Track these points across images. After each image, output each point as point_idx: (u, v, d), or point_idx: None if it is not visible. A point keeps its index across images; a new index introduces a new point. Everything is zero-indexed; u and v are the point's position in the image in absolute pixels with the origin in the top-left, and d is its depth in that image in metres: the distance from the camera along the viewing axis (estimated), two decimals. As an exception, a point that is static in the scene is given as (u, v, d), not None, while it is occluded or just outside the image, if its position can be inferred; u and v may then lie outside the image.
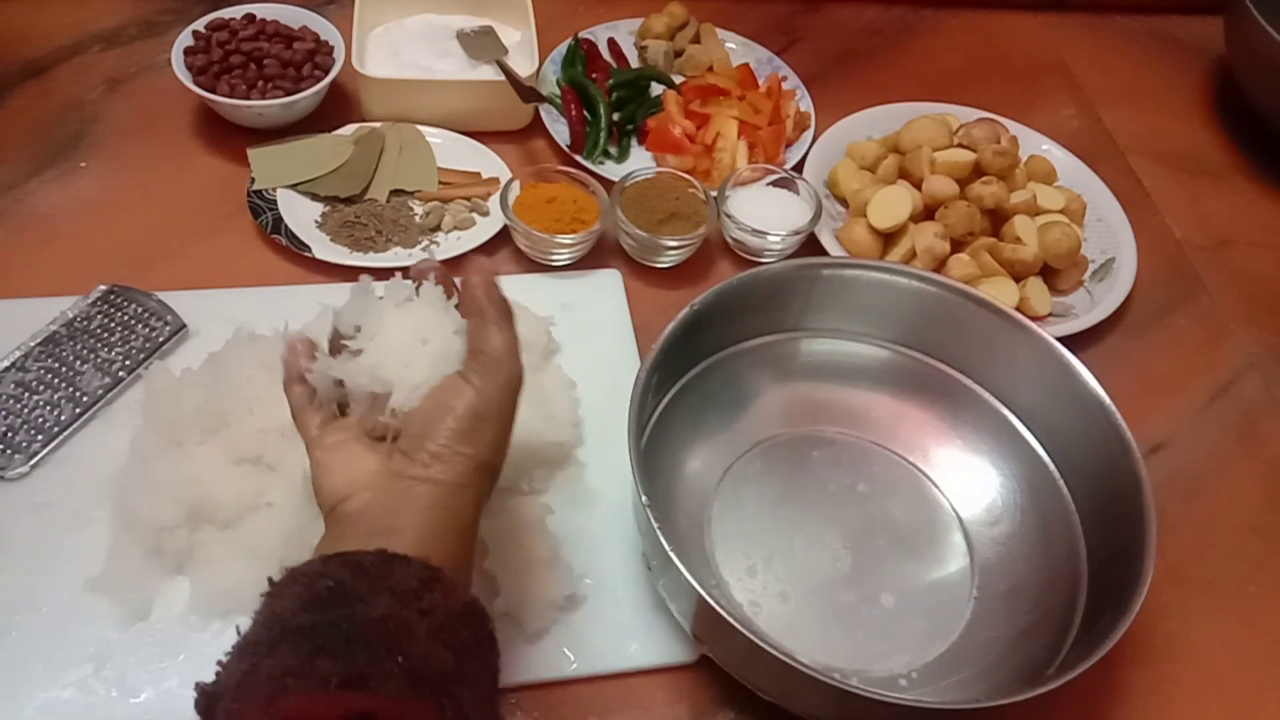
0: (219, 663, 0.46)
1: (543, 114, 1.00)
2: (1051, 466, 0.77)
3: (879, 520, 0.77)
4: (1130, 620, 0.62)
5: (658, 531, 0.61)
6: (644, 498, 0.63)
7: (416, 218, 0.92)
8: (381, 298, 0.58)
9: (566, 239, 0.88)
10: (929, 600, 0.73)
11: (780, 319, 0.81)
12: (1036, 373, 0.77)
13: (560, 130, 0.99)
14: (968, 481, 0.79)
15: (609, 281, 0.90)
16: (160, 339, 0.79)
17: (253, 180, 0.91)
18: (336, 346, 0.58)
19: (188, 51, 0.96)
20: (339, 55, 0.97)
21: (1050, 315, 0.90)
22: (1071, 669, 0.61)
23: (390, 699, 0.42)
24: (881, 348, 0.82)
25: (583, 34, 1.08)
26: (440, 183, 0.95)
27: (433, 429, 0.53)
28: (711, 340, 0.78)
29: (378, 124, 0.97)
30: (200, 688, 0.45)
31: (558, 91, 1.02)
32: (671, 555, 0.61)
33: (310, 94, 0.94)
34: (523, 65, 0.99)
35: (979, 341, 0.79)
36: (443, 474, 0.52)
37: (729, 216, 0.91)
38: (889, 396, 0.82)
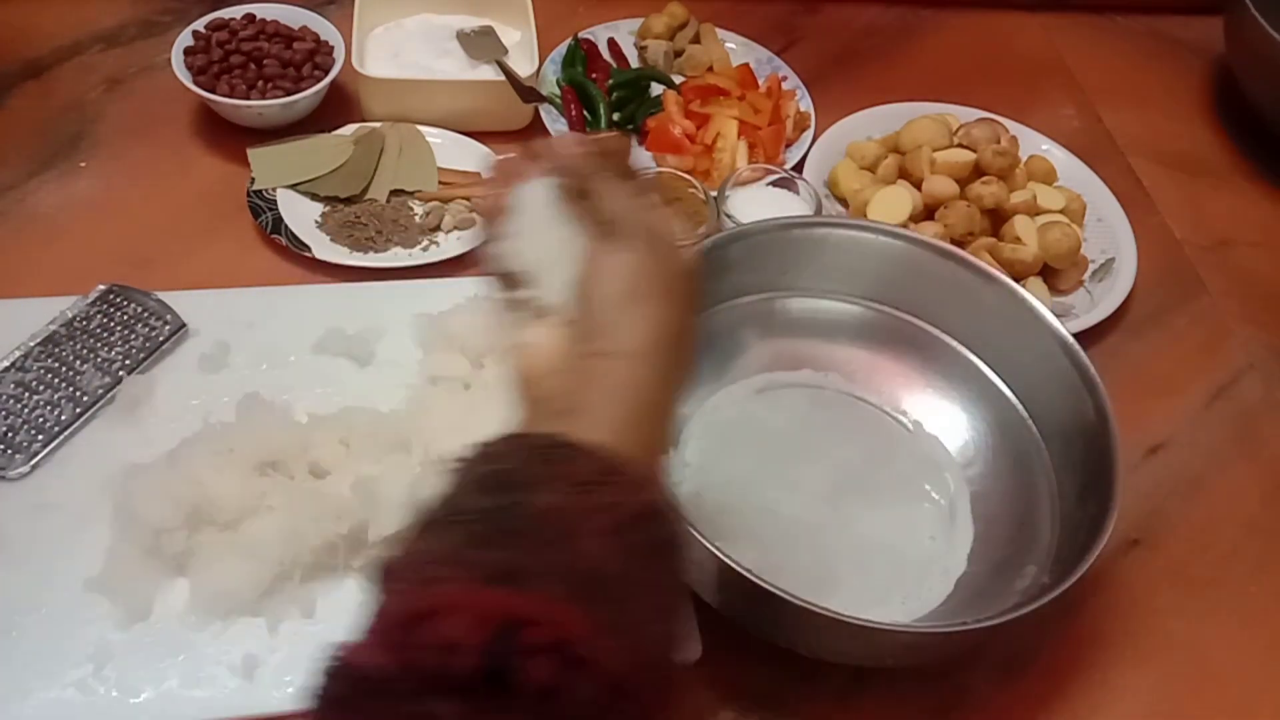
0: (400, 534, 0.42)
1: (543, 114, 1.00)
2: (1021, 408, 0.79)
3: (856, 465, 0.79)
4: (1101, 547, 0.64)
5: None
6: None
7: (416, 218, 0.92)
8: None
9: (566, 239, 0.88)
10: (907, 539, 0.76)
11: (756, 280, 0.83)
12: (1001, 318, 0.79)
13: (560, 130, 0.99)
14: (941, 426, 0.82)
15: (609, 281, 0.90)
16: (160, 339, 0.79)
17: (253, 180, 0.91)
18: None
19: (188, 51, 0.96)
20: (339, 55, 0.97)
21: (1050, 315, 0.91)
22: (1043, 597, 0.63)
23: (542, 601, 0.37)
24: (853, 304, 0.84)
25: (583, 34, 1.08)
26: (440, 183, 0.95)
27: (601, 299, 0.49)
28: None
29: (378, 124, 0.97)
30: (380, 561, 0.41)
31: (558, 91, 1.02)
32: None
33: (310, 94, 0.94)
34: (523, 65, 0.99)
35: (945, 292, 0.81)
36: (619, 344, 0.48)
37: (729, 216, 0.90)
38: (863, 350, 0.84)
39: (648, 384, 0.47)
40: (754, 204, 0.92)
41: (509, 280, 0.54)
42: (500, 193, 0.54)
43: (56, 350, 0.78)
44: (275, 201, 0.90)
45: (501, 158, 0.55)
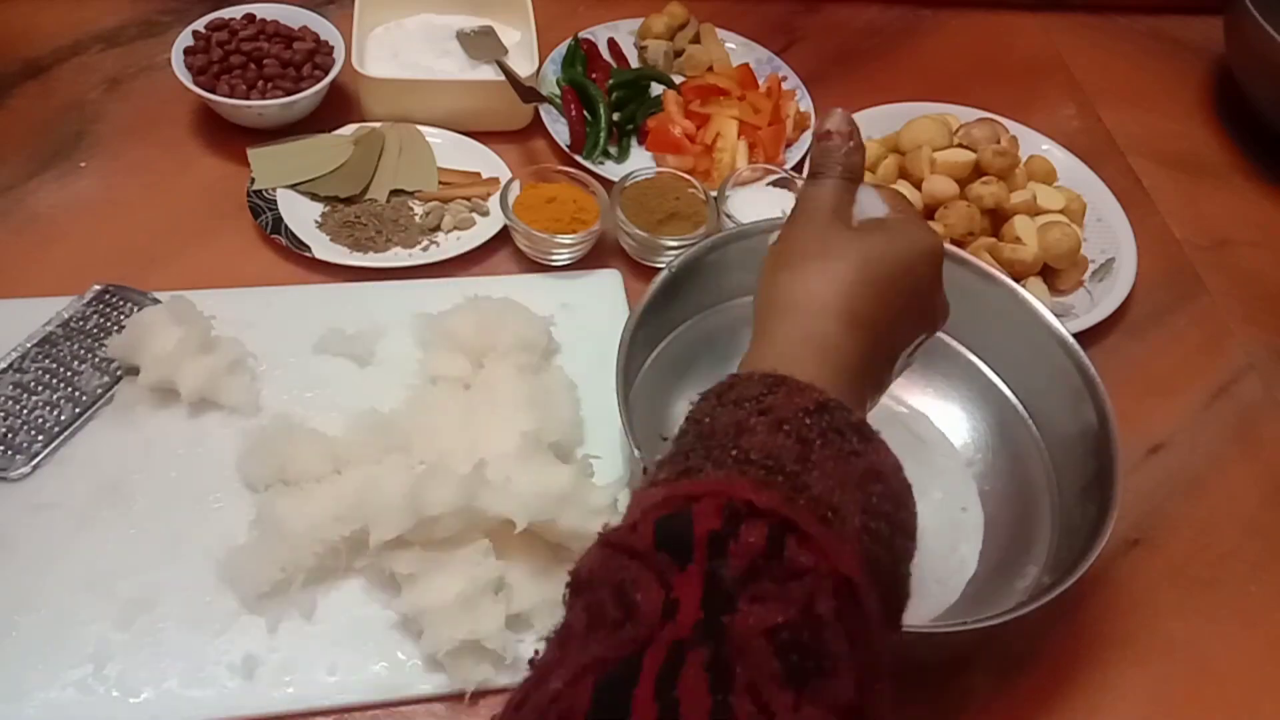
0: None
1: (543, 114, 1.00)
2: (1021, 408, 0.79)
3: None
4: (1101, 547, 0.64)
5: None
6: (636, 451, 0.65)
7: (416, 218, 0.92)
8: None
9: (566, 239, 0.88)
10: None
11: (756, 280, 0.81)
12: (1001, 318, 0.79)
13: (560, 130, 0.99)
14: (941, 425, 0.82)
15: (609, 281, 0.90)
16: (160, 339, 0.79)
17: (253, 180, 0.91)
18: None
19: (188, 51, 0.96)
20: (339, 55, 0.97)
21: (1050, 315, 0.91)
22: (1043, 597, 0.63)
23: (711, 481, 0.43)
24: None
25: (583, 34, 1.08)
26: (440, 183, 0.95)
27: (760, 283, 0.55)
28: (691, 303, 0.80)
29: (378, 124, 0.97)
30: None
31: (558, 91, 1.02)
32: None
33: (310, 94, 0.94)
34: (523, 65, 0.99)
35: (945, 291, 0.80)
36: (773, 303, 0.53)
37: (729, 216, 0.90)
38: None
39: (817, 331, 0.52)
40: (754, 204, 0.92)
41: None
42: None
43: (54, 351, 0.78)
44: (275, 201, 0.90)
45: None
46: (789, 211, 0.57)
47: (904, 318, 0.56)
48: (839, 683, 0.38)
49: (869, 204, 0.57)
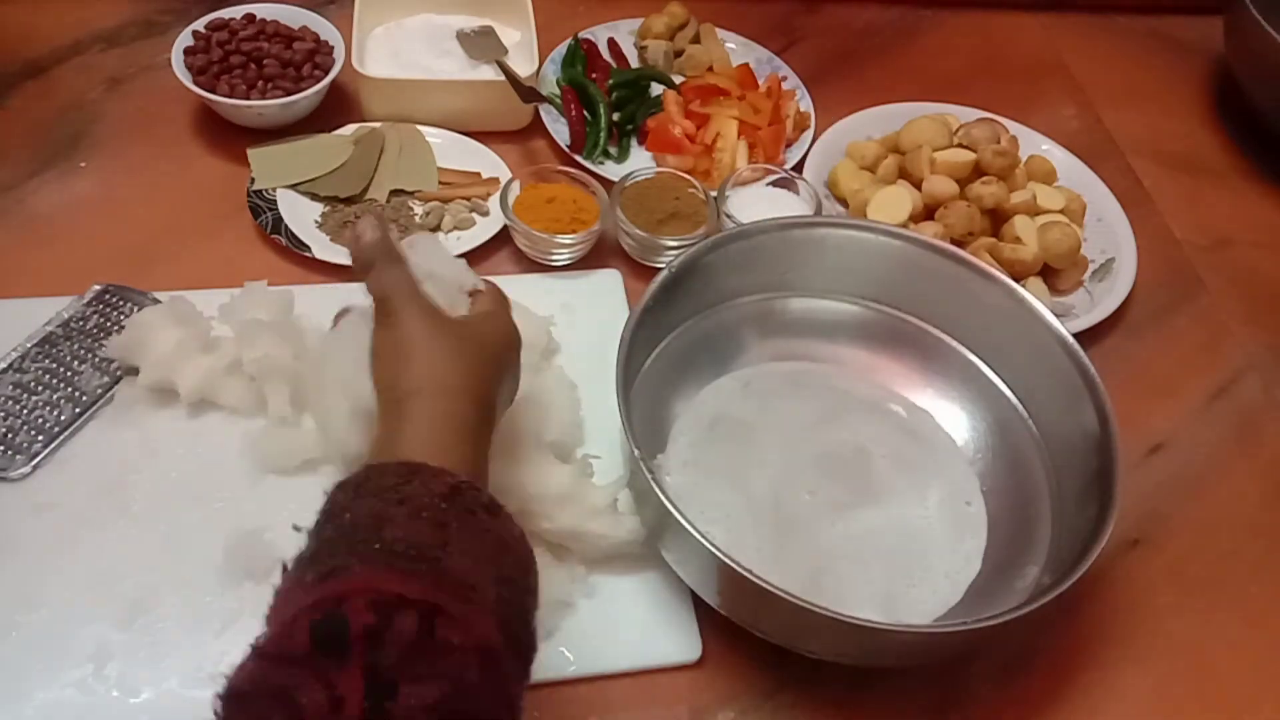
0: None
1: (543, 114, 1.00)
2: (1021, 408, 0.79)
3: (858, 462, 0.79)
4: (1101, 547, 0.64)
5: (654, 486, 0.63)
6: (636, 451, 0.65)
7: (416, 218, 0.92)
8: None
9: (566, 239, 0.88)
10: (907, 537, 0.76)
11: (756, 280, 0.83)
12: (1001, 318, 0.79)
13: (560, 130, 0.99)
14: (942, 423, 0.82)
15: (609, 281, 0.90)
16: (160, 339, 0.79)
17: (253, 180, 0.91)
18: None
19: (188, 51, 0.96)
20: (339, 55, 0.97)
21: (1050, 315, 0.91)
22: (1043, 597, 0.63)
23: (358, 578, 0.45)
24: (853, 304, 0.85)
25: (583, 34, 1.08)
26: (440, 183, 0.95)
27: (375, 375, 0.59)
28: (691, 303, 0.80)
29: (378, 124, 0.97)
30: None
31: (558, 91, 1.02)
32: (671, 509, 0.63)
33: (310, 94, 0.94)
34: (523, 65, 0.99)
35: (945, 292, 0.82)
36: (398, 400, 0.56)
37: (729, 216, 0.90)
38: (863, 350, 0.85)
39: (438, 416, 0.55)
40: (754, 204, 0.92)
41: None
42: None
43: (54, 351, 0.78)
44: (275, 201, 0.90)
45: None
46: (396, 305, 0.60)
47: (507, 386, 0.62)
48: None
49: (424, 250, 0.64)
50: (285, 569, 0.49)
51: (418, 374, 0.56)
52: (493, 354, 0.60)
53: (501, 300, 0.65)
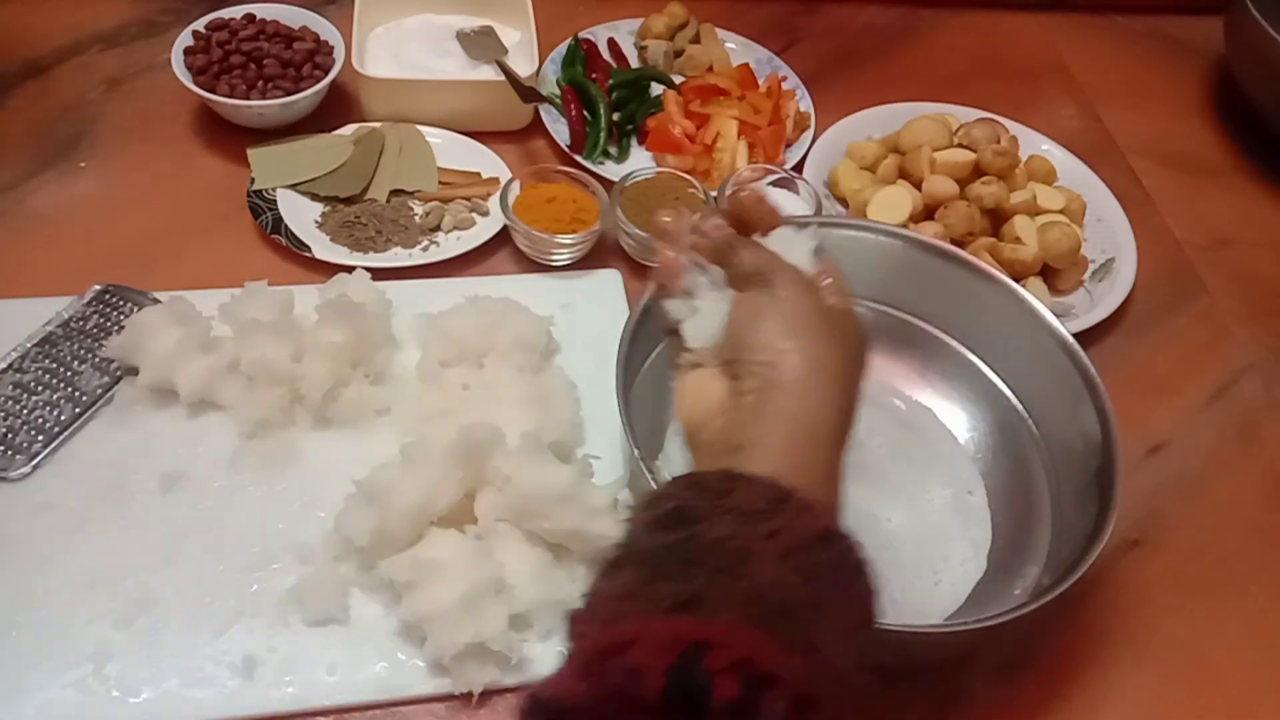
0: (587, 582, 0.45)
1: (543, 114, 1.00)
2: (1021, 408, 0.79)
3: (857, 468, 0.78)
4: (1101, 547, 0.64)
5: (654, 487, 0.63)
6: (636, 451, 0.65)
7: (416, 218, 0.92)
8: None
9: (566, 239, 0.88)
10: (907, 539, 0.76)
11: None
12: (1001, 318, 0.79)
13: (560, 130, 0.99)
14: (944, 420, 0.82)
15: (609, 281, 0.90)
16: (160, 339, 0.79)
17: (253, 180, 0.91)
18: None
19: (188, 51, 0.96)
20: (339, 55, 0.97)
21: (1050, 315, 0.91)
22: (1043, 597, 0.63)
23: (725, 625, 0.39)
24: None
25: (583, 34, 1.08)
26: (440, 183, 0.95)
27: (752, 339, 0.51)
28: None
29: (378, 124, 0.97)
30: (568, 610, 0.44)
31: (558, 91, 1.02)
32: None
33: (310, 94, 0.94)
34: (523, 65, 0.99)
35: (945, 292, 0.82)
36: (778, 376, 0.49)
37: (729, 216, 0.90)
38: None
39: (807, 413, 0.48)
40: (754, 204, 0.92)
41: (676, 334, 0.56)
42: (672, 258, 0.56)
43: (54, 351, 0.78)
44: (275, 201, 0.90)
45: (666, 220, 0.57)
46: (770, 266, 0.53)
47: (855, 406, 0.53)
48: None
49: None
50: (607, 563, 0.43)
51: (804, 354, 0.49)
52: (860, 353, 0.53)
53: (849, 296, 0.55)
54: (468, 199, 0.93)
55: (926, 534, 0.76)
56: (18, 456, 0.72)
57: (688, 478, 0.47)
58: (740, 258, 0.53)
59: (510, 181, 0.91)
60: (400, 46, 1.02)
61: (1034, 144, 1.04)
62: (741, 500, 0.44)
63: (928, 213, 0.93)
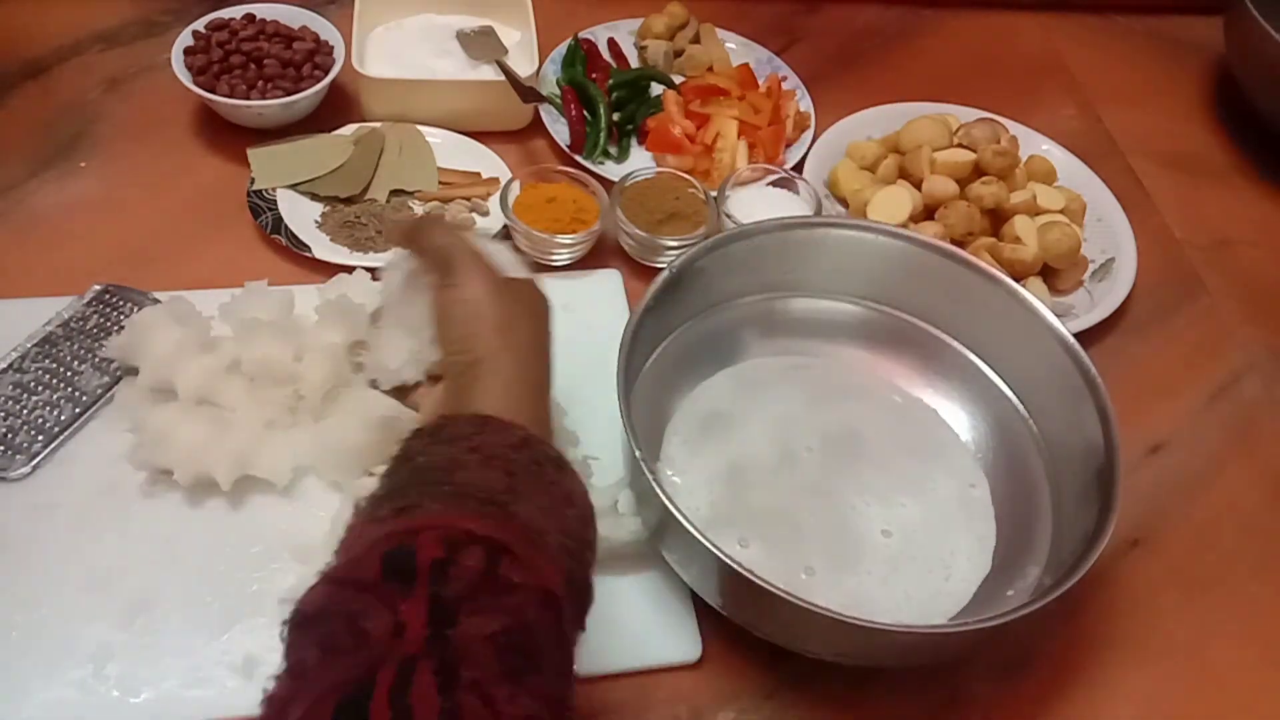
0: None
1: (543, 114, 1.00)
2: (1021, 408, 0.79)
3: (859, 462, 0.79)
4: (1101, 547, 0.64)
5: (655, 487, 0.64)
6: (638, 452, 0.65)
7: (416, 218, 0.92)
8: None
9: (566, 239, 0.88)
10: (918, 528, 0.76)
11: (756, 280, 0.83)
12: (1001, 318, 0.79)
13: (560, 130, 0.99)
14: (944, 418, 0.82)
15: (609, 281, 0.90)
16: (160, 339, 0.79)
17: (253, 180, 0.91)
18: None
19: (188, 51, 0.96)
20: (339, 55, 0.97)
21: (1050, 315, 0.91)
22: (1043, 597, 0.63)
23: (431, 514, 0.47)
24: (853, 304, 0.85)
25: (583, 34, 1.08)
26: (440, 183, 0.95)
27: (446, 342, 0.60)
28: (692, 303, 0.80)
29: (378, 124, 0.97)
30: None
31: (558, 91, 1.02)
32: (672, 510, 0.63)
33: (310, 94, 0.94)
34: (523, 65, 0.99)
35: (945, 292, 0.82)
36: (475, 356, 0.57)
37: (729, 216, 0.91)
38: (863, 350, 0.85)
39: (507, 369, 0.57)
40: (754, 204, 0.92)
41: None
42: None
43: (54, 351, 0.78)
44: (275, 201, 0.90)
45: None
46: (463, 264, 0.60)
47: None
48: (546, 676, 0.44)
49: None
50: (358, 507, 0.51)
51: (491, 333, 0.58)
52: (547, 315, 0.62)
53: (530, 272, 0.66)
54: (468, 199, 0.93)
55: (935, 525, 0.76)
56: (18, 456, 0.72)
57: (413, 432, 0.54)
58: (423, 244, 0.63)
59: (510, 181, 0.91)
60: (400, 46, 1.02)
61: (1034, 144, 1.04)
62: (452, 431, 0.52)
63: (928, 213, 0.93)
